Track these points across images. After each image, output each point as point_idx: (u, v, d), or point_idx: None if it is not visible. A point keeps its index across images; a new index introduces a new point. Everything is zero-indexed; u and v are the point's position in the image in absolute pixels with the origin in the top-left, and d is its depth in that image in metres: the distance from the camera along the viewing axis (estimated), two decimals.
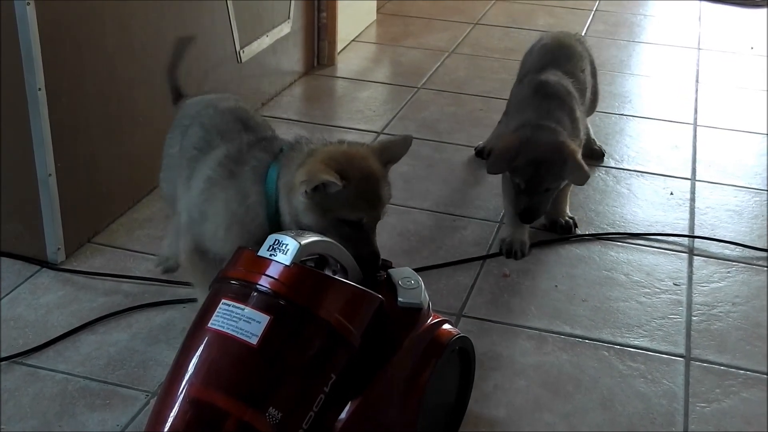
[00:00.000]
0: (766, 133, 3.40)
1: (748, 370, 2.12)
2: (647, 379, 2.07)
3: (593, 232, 2.64)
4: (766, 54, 4.19)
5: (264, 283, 1.56)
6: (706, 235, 2.65)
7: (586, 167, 2.44)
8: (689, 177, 3.03)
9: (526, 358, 2.12)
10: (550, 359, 2.12)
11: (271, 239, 1.62)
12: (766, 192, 2.95)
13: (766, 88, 3.80)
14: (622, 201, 2.86)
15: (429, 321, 1.72)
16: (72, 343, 2.08)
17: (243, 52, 3.18)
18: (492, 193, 2.80)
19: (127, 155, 2.58)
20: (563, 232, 2.62)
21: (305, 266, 1.62)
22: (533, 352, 2.15)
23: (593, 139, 3.06)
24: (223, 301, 1.56)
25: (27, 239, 2.36)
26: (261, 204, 1.80)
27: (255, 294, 1.55)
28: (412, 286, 1.72)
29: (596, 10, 4.74)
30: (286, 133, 2.11)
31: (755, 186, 3.00)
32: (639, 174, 3.03)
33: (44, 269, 2.35)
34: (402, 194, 2.75)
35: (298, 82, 3.66)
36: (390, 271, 1.77)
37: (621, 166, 3.08)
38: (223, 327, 1.53)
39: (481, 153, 3.05)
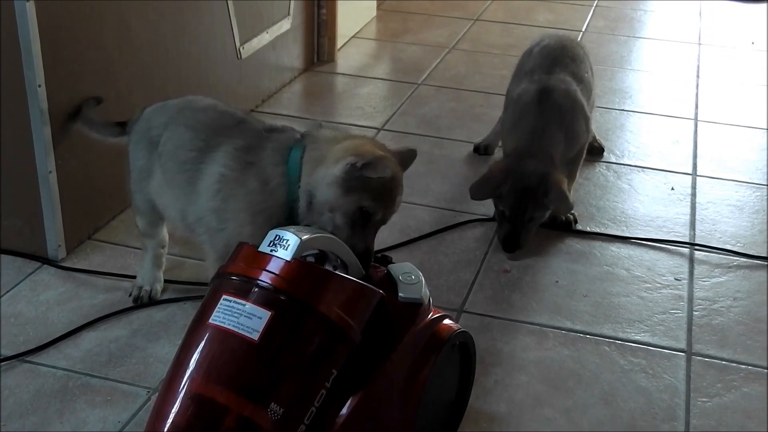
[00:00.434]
0: (766, 128, 3.40)
1: (749, 365, 2.12)
2: (648, 374, 2.07)
3: (593, 231, 2.64)
4: (766, 49, 4.19)
5: (265, 278, 1.56)
6: (707, 234, 2.64)
7: (570, 197, 2.47)
8: (690, 172, 3.02)
9: (527, 353, 2.12)
10: (551, 354, 2.12)
11: (271, 235, 1.62)
12: (766, 187, 2.95)
13: (766, 83, 3.80)
14: (623, 196, 2.85)
15: (429, 316, 1.73)
16: (73, 340, 2.08)
17: (243, 48, 3.17)
18: None
19: (128, 152, 2.57)
20: (564, 228, 2.62)
21: (306, 262, 1.62)
22: (534, 347, 2.14)
23: (593, 135, 3.05)
24: (224, 296, 1.56)
25: (27, 236, 2.36)
26: (283, 185, 1.80)
27: (256, 289, 1.55)
28: (413, 281, 1.73)
29: (596, 5, 4.73)
30: None
31: (756, 181, 2.99)
32: (640, 169, 3.03)
33: (45, 266, 2.35)
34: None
35: (298, 78, 3.66)
36: (390, 266, 1.77)
37: (622, 162, 3.07)
38: (224, 323, 1.53)
39: (478, 149, 3.06)
